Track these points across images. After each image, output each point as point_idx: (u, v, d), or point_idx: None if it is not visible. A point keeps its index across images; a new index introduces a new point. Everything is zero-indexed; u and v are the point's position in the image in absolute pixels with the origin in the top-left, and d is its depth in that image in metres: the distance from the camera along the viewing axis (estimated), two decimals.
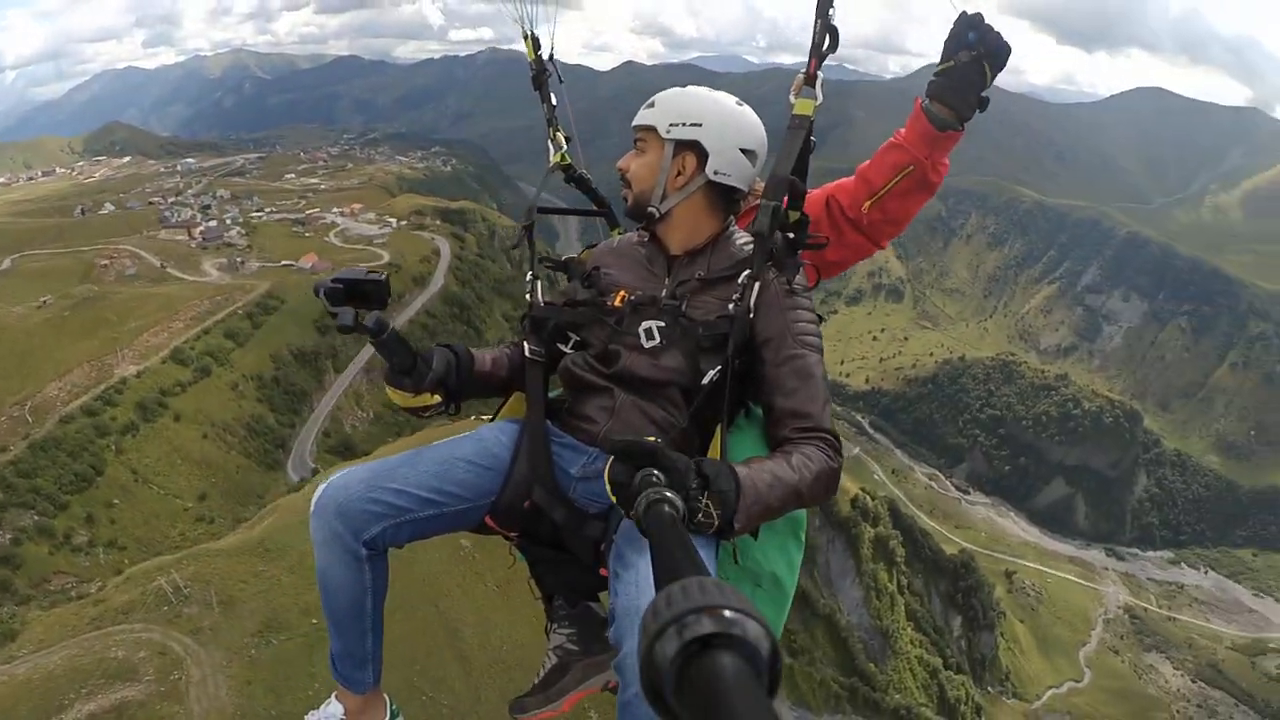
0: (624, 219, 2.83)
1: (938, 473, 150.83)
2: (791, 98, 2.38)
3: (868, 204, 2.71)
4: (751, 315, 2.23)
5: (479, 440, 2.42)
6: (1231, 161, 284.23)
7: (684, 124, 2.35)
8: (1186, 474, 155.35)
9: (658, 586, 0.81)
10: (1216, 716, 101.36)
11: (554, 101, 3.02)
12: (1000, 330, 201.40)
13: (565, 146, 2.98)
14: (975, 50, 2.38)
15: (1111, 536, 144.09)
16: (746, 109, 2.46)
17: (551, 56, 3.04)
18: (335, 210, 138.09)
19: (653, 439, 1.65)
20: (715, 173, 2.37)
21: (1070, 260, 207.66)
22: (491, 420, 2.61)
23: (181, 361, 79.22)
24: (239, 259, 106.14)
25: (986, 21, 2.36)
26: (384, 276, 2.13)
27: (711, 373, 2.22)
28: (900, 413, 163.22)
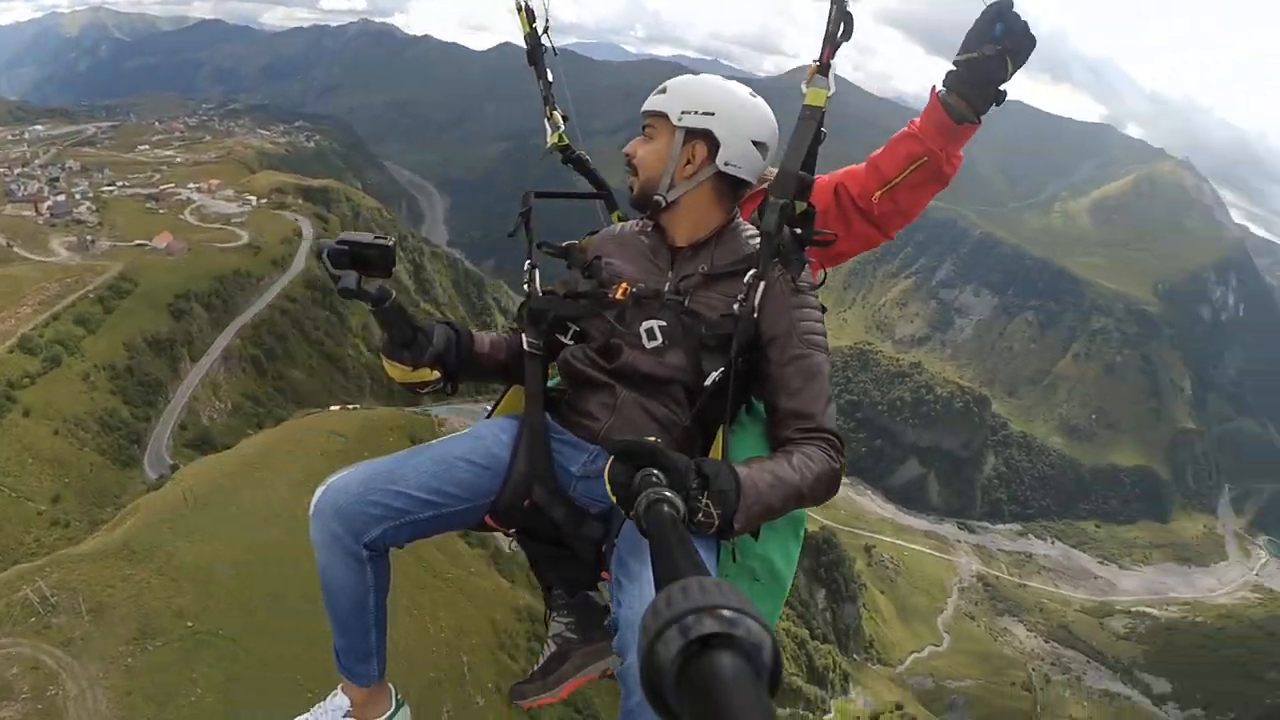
0: (626, 206, 2.81)
1: None
2: (803, 87, 2.30)
3: (879, 194, 2.67)
4: (756, 315, 2.19)
5: (477, 438, 2.37)
6: (1083, 173, 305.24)
7: (696, 112, 2.30)
8: (1032, 454, 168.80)
9: (658, 586, 0.81)
10: (1070, 673, 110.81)
11: (550, 78, 2.95)
12: (859, 321, 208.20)
13: (563, 126, 2.93)
14: (1001, 43, 2.33)
15: (963, 511, 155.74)
16: (760, 101, 2.42)
17: (546, 29, 2.96)
18: (191, 186, 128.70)
19: (653, 439, 1.64)
20: (726, 164, 2.33)
21: (926, 257, 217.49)
22: (489, 414, 2.61)
23: (30, 350, 71.73)
24: (89, 237, 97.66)
25: (1014, 10, 2.31)
26: (391, 242, 2.07)
27: (715, 374, 2.19)
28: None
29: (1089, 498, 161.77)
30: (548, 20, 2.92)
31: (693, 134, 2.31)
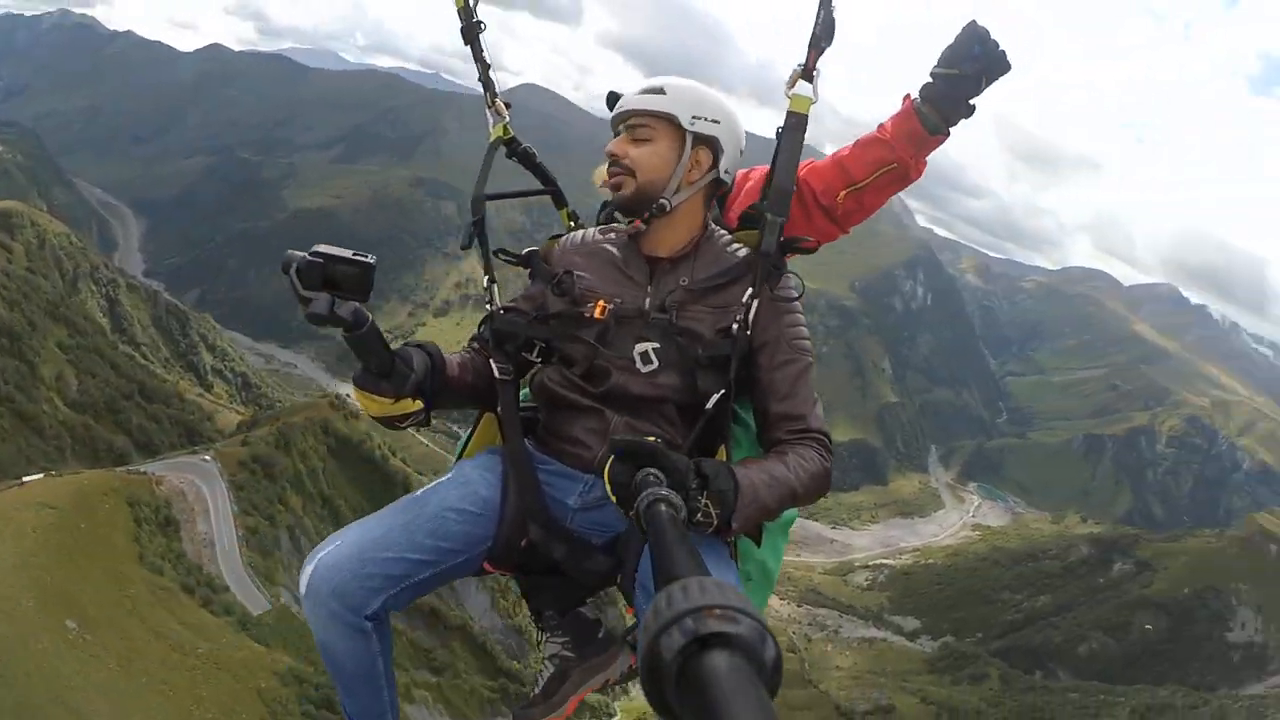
0: (569, 210, 2.80)
1: None
2: (786, 93, 2.28)
3: (844, 193, 2.64)
4: (749, 332, 2.19)
5: (464, 484, 2.27)
6: None
7: (706, 118, 2.25)
8: None
9: (658, 586, 0.81)
10: (827, 629, 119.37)
11: (488, 60, 2.65)
12: None
13: (508, 116, 2.69)
14: (980, 62, 2.36)
15: None
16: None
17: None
18: None
19: (652, 439, 1.65)
20: (725, 172, 2.33)
21: None
22: (462, 450, 2.53)
23: None
24: None
25: (992, 37, 2.36)
26: (371, 259, 1.87)
27: (716, 396, 2.16)
28: None
29: None
30: None
31: (699, 139, 2.26)
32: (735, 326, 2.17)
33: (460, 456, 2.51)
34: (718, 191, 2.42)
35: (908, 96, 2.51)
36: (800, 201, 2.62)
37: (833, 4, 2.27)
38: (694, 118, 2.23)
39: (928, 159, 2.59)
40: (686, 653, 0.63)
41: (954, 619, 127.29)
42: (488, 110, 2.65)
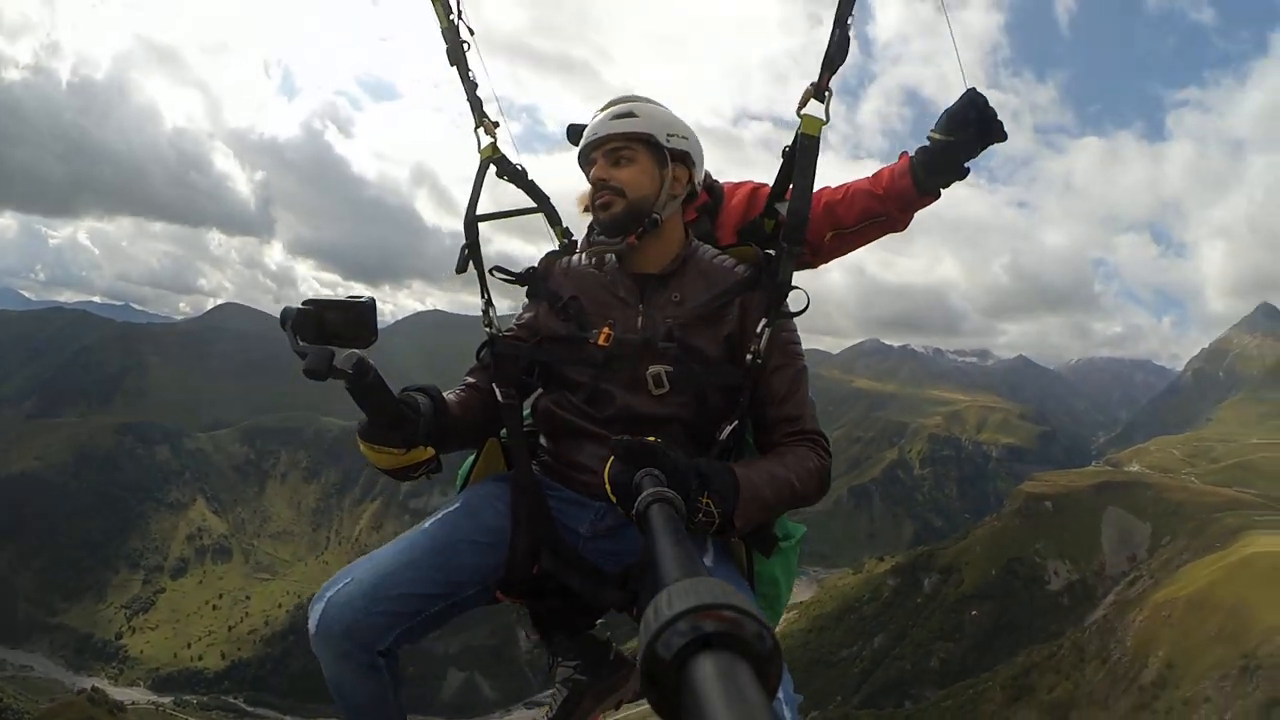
0: (573, 223, 2.71)
1: None
2: (797, 113, 2.26)
3: (830, 235, 2.73)
4: (760, 361, 2.17)
5: (473, 514, 2.26)
6: None
7: (678, 135, 2.31)
8: None
9: (658, 587, 0.77)
10: None
11: (474, 79, 2.60)
12: (340, 558, 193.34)
13: (496, 136, 2.59)
14: (975, 129, 2.46)
15: (524, 693, 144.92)
16: None
17: (460, 13, 2.58)
18: None
19: (653, 438, 1.66)
20: (699, 184, 2.40)
21: (386, 475, 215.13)
22: (465, 478, 2.49)
23: None
24: None
25: (989, 105, 2.45)
26: (368, 300, 1.80)
27: (729, 428, 2.16)
28: (272, 676, 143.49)
29: None
30: (460, 9, 2.59)
31: (676, 156, 2.31)
32: (749, 356, 2.16)
33: (463, 485, 2.48)
34: (692, 203, 2.46)
35: (905, 154, 2.64)
36: None
37: (849, 23, 2.25)
38: (669, 135, 2.29)
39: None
40: (686, 653, 0.63)
41: (809, 693, 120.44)
42: (476, 130, 2.60)
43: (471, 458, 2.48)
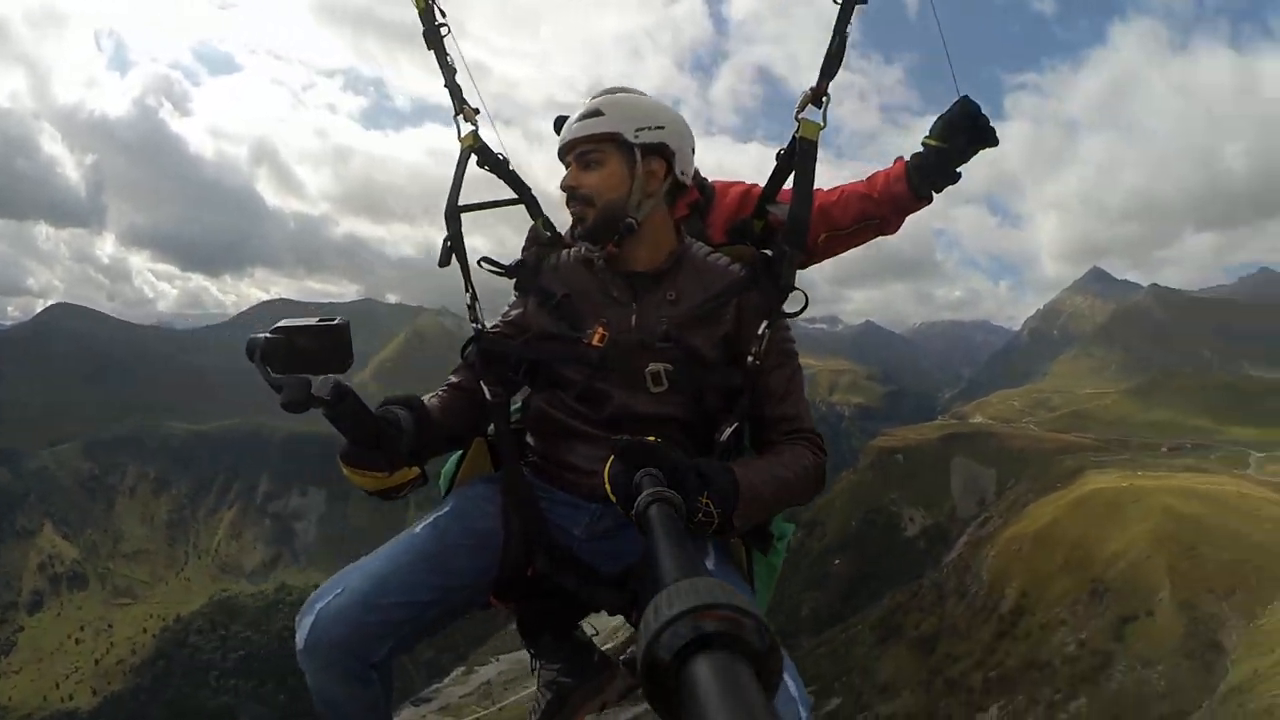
0: (554, 215, 2.63)
1: None
2: (796, 117, 2.28)
3: (824, 236, 2.76)
4: (759, 363, 2.17)
5: (463, 516, 2.19)
6: (356, 346, 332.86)
7: (650, 127, 2.20)
8: None
9: (658, 587, 0.77)
10: None
11: (453, 64, 2.53)
12: (202, 574, 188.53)
13: (477, 124, 2.54)
14: (969, 136, 2.52)
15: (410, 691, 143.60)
16: None
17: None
18: None
19: (653, 438, 1.64)
20: (681, 173, 2.29)
21: (241, 479, 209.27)
22: (450, 480, 2.41)
23: None
24: None
25: (982, 112, 2.52)
26: (340, 321, 1.67)
27: (729, 429, 2.14)
28: (148, 707, 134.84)
29: None
30: None
31: (649, 150, 2.20)
32: (750, 358, 2.15)
33: (449, 487, 2.41)
34: (681, 196, 2.38)
35: (900, 160, 2.69)
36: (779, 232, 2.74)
37: (847, 30, 2.28)
38: (637, 130, 2.18)
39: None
40: (685, 653, 0.63)
41: None
42: (456, 117, 2.53)
43: (455, 458, 2.44)
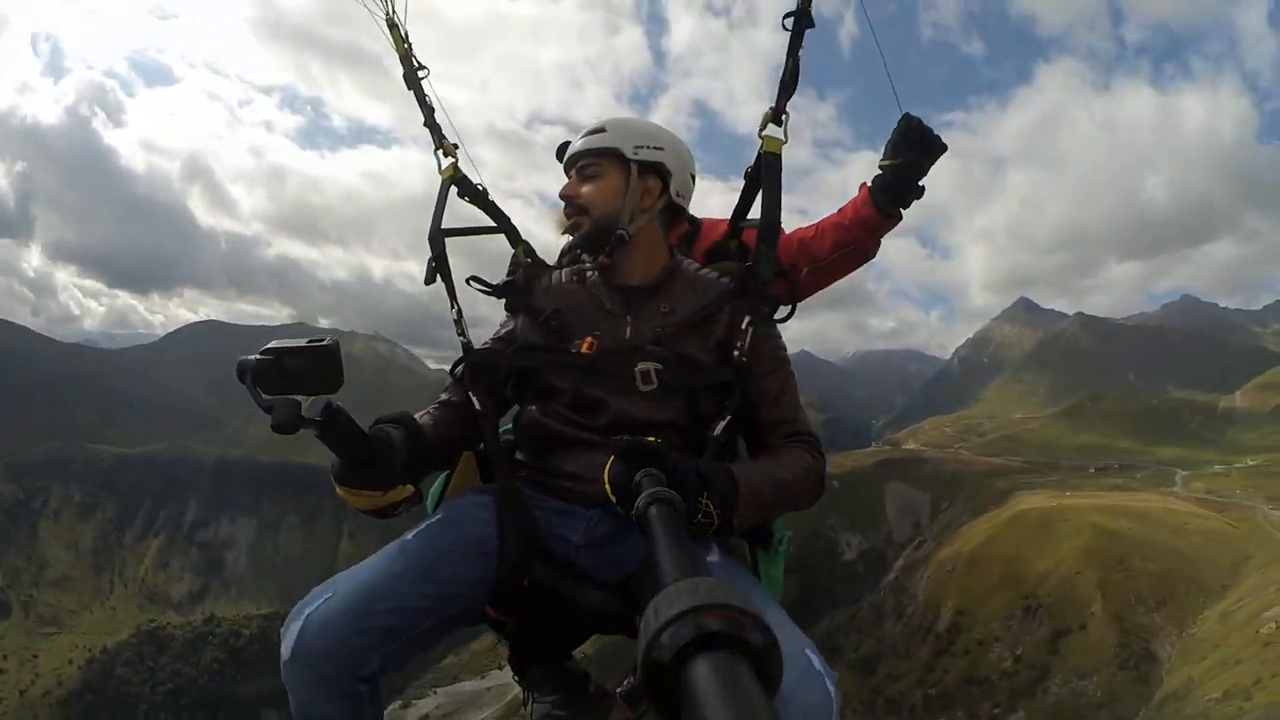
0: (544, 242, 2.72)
1: None
2: (759, 135, 2.40)
3: (806, 270, 2.85)
4: (747, 360, 2.20)
5: (457, 525, 2.14)
6: None
7: (649, 146, 2.31)
8: None
9: (659, 587, 0.77)
10: None
11: (431, 103, 2.70)
12: (129, 603, 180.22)
13: (456, 156, 2.64)
14: (916, 150, 2.68)
15: None
16: None
17: (409, 43, 2.74)
18: None
19: (653, 439, 1.65)
20: (676, 194, 2.37)
21: (169, 505, 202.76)
22: (440, 494, 2.41)
23: None
24: None
25: (924, 125, 2.69)
26: (332, 342, 1.65)
27: (722, 423, 2.15)
28: None
29: None
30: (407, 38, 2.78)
31: (646, 167, 2.31)
32: (736, 353, 2.19)
33: (439, 501, 2.39)
34: (677, 219, 2.45)
35: (864, 185, 2.82)
36: None
37: (799, 53, 2.42)
38: (636, 147, 2.29)
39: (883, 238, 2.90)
40: (686, 653, 0.63)
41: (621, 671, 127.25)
42: (436, 151, 2.65)
43: (443, 475, 2.46)
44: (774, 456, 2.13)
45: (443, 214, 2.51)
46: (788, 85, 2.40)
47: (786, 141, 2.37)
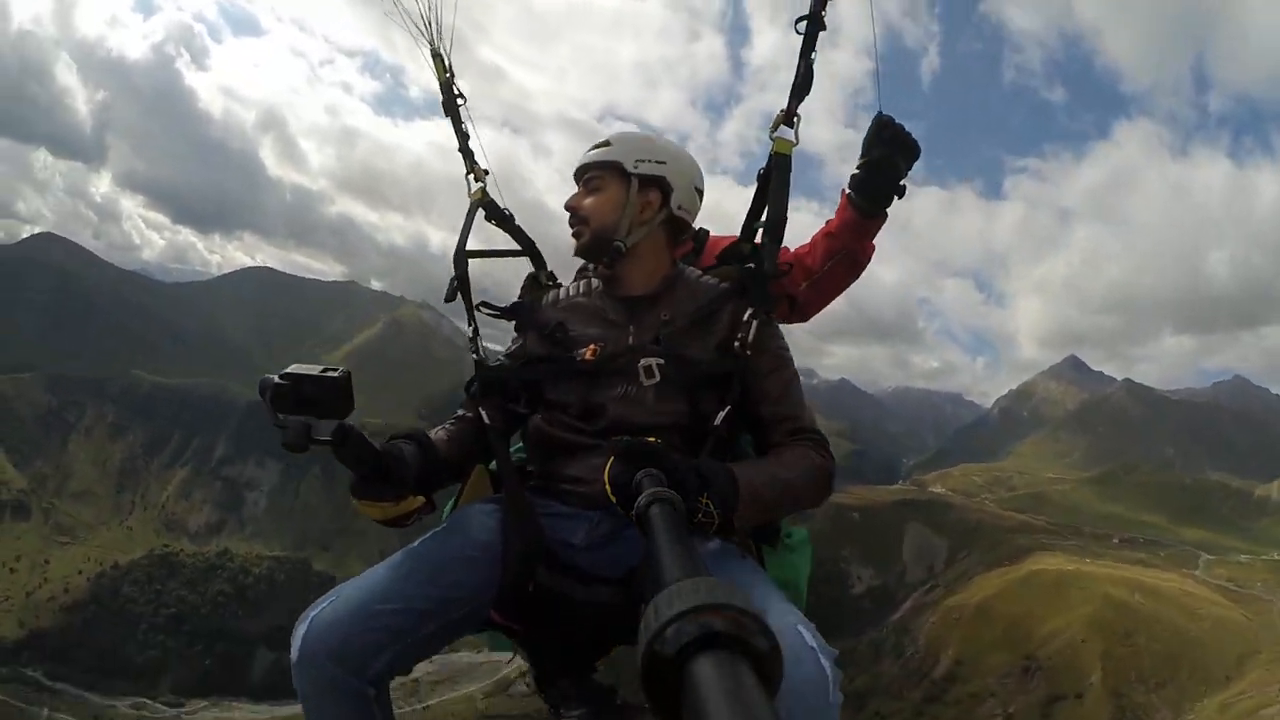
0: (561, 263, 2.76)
1: (144, 699, 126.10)
2: (770, 136, 2.44)
3: (805, 284, 2.89)
4: (749, 353, 2.22)
5: (463, 531, 2.19)
6: (335, 326, 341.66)
7: (650, 160, 2.36)
8: None
9: (659, 586, 0.78)
10: None
11: (469, 133, 2.80)
12: (146, 525, 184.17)
13: (485, 181, 2.73)
14: (888, 148, 2.68)
15: None
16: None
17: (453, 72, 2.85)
18: None
19: (653, 439, 1.66)
20: (678, 208, 2.41)
21: (199, 438, 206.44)
22: (452, 507, 2.45)
23: None
24: None
25: (896, 123, 2.69)
26: (343, 372, 1.75)
27: (722, 413, 2.17)
28: (74, 649, 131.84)
29: None
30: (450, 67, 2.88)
31: (646, 181, 2.36)
32: (737, 344, 2.21)
33: (450, 513, 2.45)
34: (682, 232, 2.50)
35: (844, 191, 2.85)
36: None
37: (813, 56, 2.45)
38: (637, 161, 2.35)
39: (874, 243, 2.92)
40: (686, 653, 0.63)
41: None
42: (467, 176, 2.74)
43: (459, 488, 2.51)
44: (778, 455, 2.15)
45: (468, 235, 2.57)
46: (800, 88, 2.43)
47: (797, 144, 2.40)
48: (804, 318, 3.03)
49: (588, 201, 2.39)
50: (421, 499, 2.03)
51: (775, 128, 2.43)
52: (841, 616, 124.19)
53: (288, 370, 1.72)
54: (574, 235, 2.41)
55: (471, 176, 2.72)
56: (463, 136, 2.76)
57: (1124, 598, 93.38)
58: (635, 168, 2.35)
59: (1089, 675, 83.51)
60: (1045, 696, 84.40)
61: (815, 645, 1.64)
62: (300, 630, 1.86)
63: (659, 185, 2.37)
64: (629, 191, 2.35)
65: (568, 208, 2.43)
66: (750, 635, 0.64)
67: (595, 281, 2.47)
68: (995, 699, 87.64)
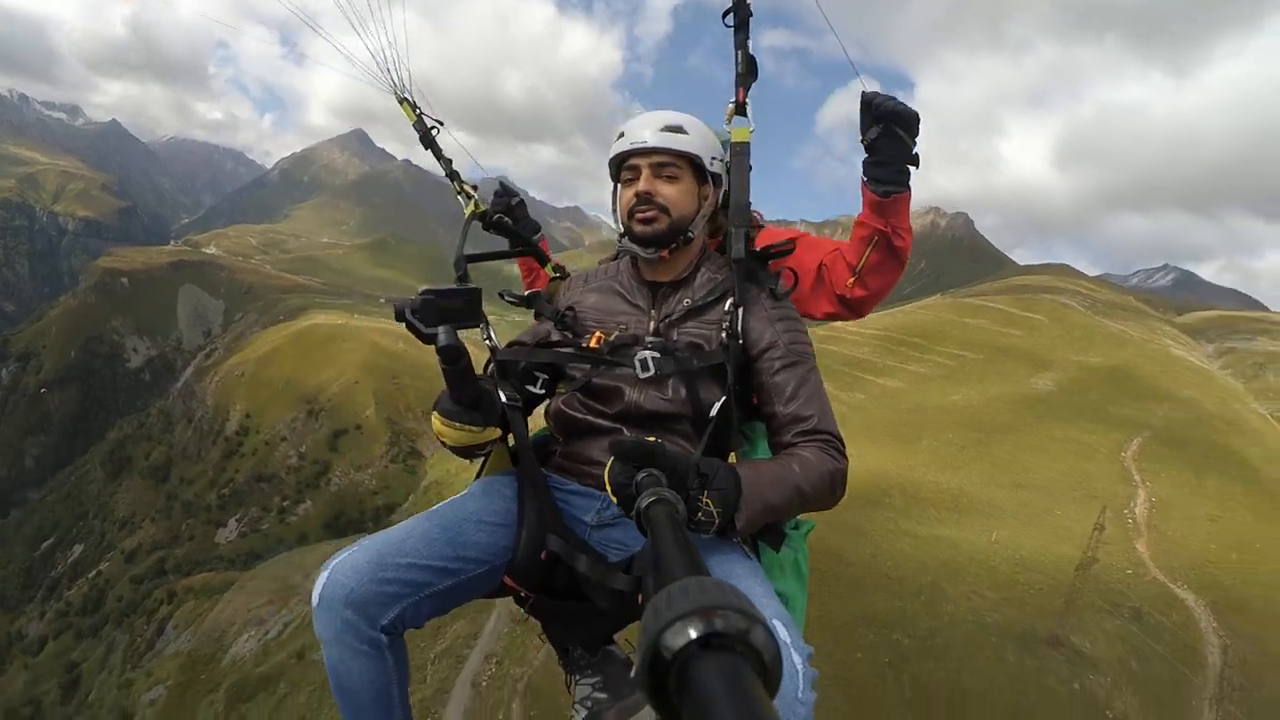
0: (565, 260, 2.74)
1: None
2: (726, 126, 2.45)
3: (850, 280, 2.76)
4: (742, 340, 2.23)
5: (484, 496, 2.25)
6: None
7: (720, 159, 2.39)
8: None
9: (659, 586, 0.76)
10: None
11: (449, 158, 3.04)
12: None
13: (475, 195, 2.92)
14: (881, 123, 2.50)
15: None
16: None
17: (420, 111, 3.03)
18: None
19: (653, 439, 1.64)
20: (725, 207, 2.47)
21: None
22: (478, 477, 2.44)
23: None
24: None
25: (880, 96, 2.50)
26: (474, 285, 1.91)
27: (717, 404, 2.18)
28: None
29: None
30: (419, 107, 3.04)
31: (716, 178, 2.39)
32: (724, 335, 2.23)
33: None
34: (720, 227, 2.57)
35: (861, 179, 2.74)
36: (819, 281, 2.84)
37: (747, 45, 2.45)
38: (713, 159, 2.36)
39: (908, 224, 2.75)
40: (686, 654, 0.62)
41: None
42: (458, 195, 2.94)
43: (477, 467, 2.50)
44: (788, 456, 2.06)
45: (465, 243, 2.62)
46: (743, 77, 2.43)
47: (754, 128, 2.41)
48: (858, 314, 2.91)
49: (668, 190, 2.32)
50: (498, 432, 2.08)
51: (730, 119, 2.44)
52: (122, 394, 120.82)
53: (424, 289, 1.83)
54: (644, 220, 2.31)
55: (463, 196, 2.89)
56: (446, 163, 2.97)
57: (390, 346, 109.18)
58: (711, 164, 2.35)
59: (365, 410, 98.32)
60: (331, 432, 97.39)
61: (788, 640, 1.62)
62: (322, 577, 1.91)
63: (719, 184, 2.40)
64: (703, 186, 2.37)
65: (643, 194, 2.31)
66: (751, 636, 0.63)
67: (624, 264, 2.50)
68: (287, 442, 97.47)
